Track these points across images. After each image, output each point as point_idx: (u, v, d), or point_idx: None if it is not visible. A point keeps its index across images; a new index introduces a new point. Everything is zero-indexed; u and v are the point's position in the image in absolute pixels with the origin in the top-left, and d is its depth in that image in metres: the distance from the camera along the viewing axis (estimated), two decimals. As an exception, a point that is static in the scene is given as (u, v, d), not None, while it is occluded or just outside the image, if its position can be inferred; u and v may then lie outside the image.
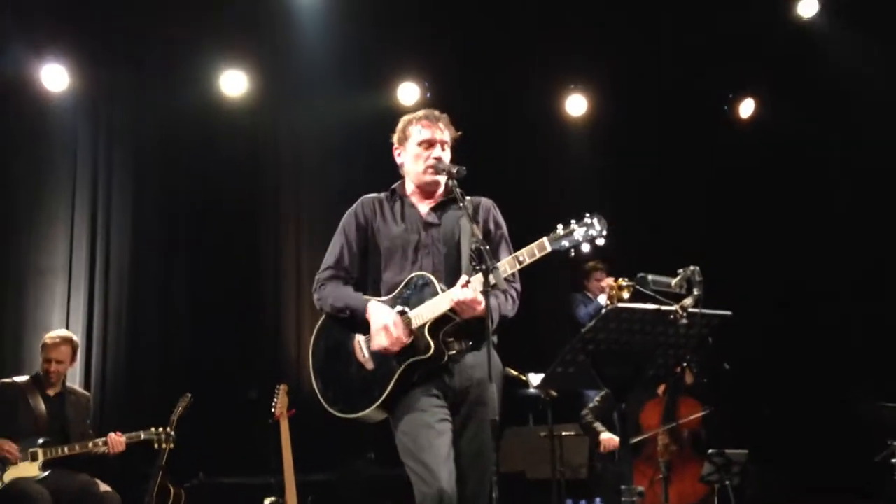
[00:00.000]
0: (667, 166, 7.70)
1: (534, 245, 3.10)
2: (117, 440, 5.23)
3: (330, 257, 3.47)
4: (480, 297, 3.07)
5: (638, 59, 7.35)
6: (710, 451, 5.24)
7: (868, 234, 7.13)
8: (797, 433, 6.85)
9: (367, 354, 3.31)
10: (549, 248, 3.08)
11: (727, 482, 5.16)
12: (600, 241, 3.02)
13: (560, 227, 3.07)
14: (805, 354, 7.19)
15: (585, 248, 3.05)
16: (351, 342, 3.35)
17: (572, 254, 3.07)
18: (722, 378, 5.81)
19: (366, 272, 3.46)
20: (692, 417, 5.40)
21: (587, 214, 3.04)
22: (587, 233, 3.02)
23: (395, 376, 3.22)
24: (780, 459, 6.23)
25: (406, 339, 3.21)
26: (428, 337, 3.19)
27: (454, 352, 3.24)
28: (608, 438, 5.59)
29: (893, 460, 4.96)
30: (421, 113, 3.52)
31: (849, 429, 5.57)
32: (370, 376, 3.28)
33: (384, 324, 3.22)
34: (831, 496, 6.53)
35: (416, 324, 3.22)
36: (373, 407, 3.25)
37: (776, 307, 7.35)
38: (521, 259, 3.14)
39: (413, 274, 3.29)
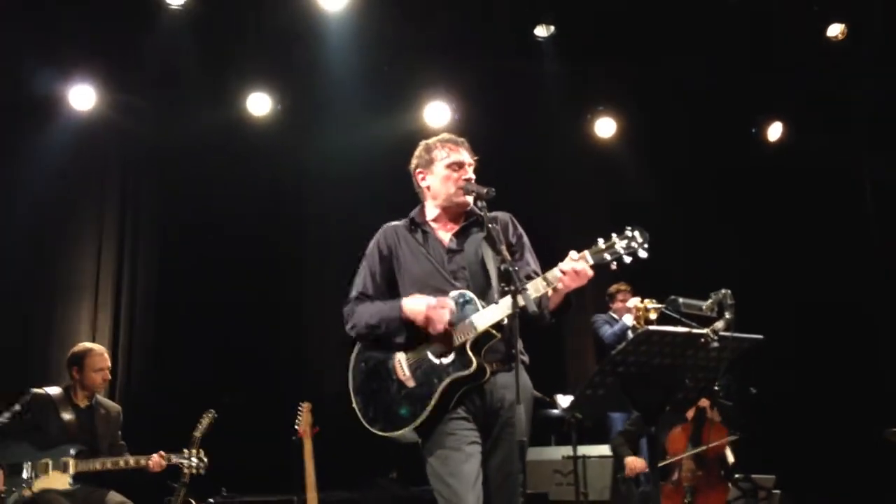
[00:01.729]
0: (695, 189, 7.67)
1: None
2: (157, 461, 5.26)
3: (356, 289, 3.48)
4: (590, 271, 3.08)
5: (667, 82, 7.34)
6: (736, 476, 5.18)
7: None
8: (825, 458, 6.76)
9: (408, 372, 3.30)
10: (590, 262, 3.09)
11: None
12: (642, 253, 3.03)
13: (601, 240, 3.10)
14: (835, 379, 7.10)
15: (627, 260, 3.05)
16: (391, 361, 3.35)
17: (614, 266, 3.07)
18: (749, 402, 5.75)
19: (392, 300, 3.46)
20: (718, 443, 5.35)
21: (628, 227, 3.06)
22: (629, 245, 3.04)
23: (438, 392, 3.20)
24: (808, 485, 6.13)
25: (451, 308, 3.19)
26: (470, 353, 3.19)
27: (494, 369, 3.23)
28: (633, 460, 5.58)
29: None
30: (444, 136, 3.56)
31: (878, 455, 5.49)
32: (412, 394, 3.27)
33: (426, 304, 3.21)
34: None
35: (457, 341, 3.22)
36: (415, 423, 3.23)
37: (807, 331, 7.26)
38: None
39: (454, 292, 3.29)
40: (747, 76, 7.30)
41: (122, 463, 5.25)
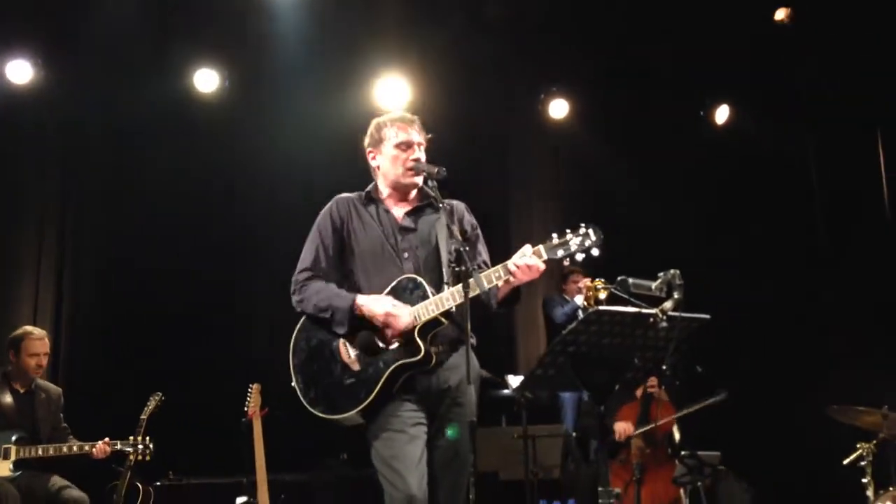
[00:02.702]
0: (645, 170, 7.73)
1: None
2: (102, 448, 5.18)
3: (306, 259, 3.42)
4: (542, 266, 3.10)
5: (619, 62, 7.38)
6: (682, 452, 5.28)
7: (841, 239, 7.23)
8: (769, 435, 6.92)
9: (352, 355, 3.27)
10: (545, 256, 3.12)
11: (699, 483, 5.20)
12: (595, 252, 3.07)
13: (555, 236, 3.12)
14: (779, 358, 7.25)
15: (580, 258, 3.08)
16: (335, 342, 3.31)
17: (566, 263, 3.10)
18: (695, 381, 5.85)
19: (343, 275, 3.42)
20: (664, 420, 5.45)
21: (582, 225, 3.09)
22: (582, 243, 3.07)
23: (384, 378, 3.19)
24: (752, 461, 6.27)
25: (411, 321, 3.18)
26: (418, 340, 3.17)
27: (440, 355, 3.23)
28: (621, 425, 5.57)
29: (862, 462, 5.03)
30: (395, 115, 3.54)
31: (823, 432, 5.63)
32: (356, 377, 3.24)
33: (386, 310, 3.19)
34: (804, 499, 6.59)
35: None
36: (358, 408, 3.21)
37: (753, 311, 7.39)
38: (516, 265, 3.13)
39: (402, 276, 3.27)
40: (697, 59, 7.36)
41: (65, 449, 5.17)
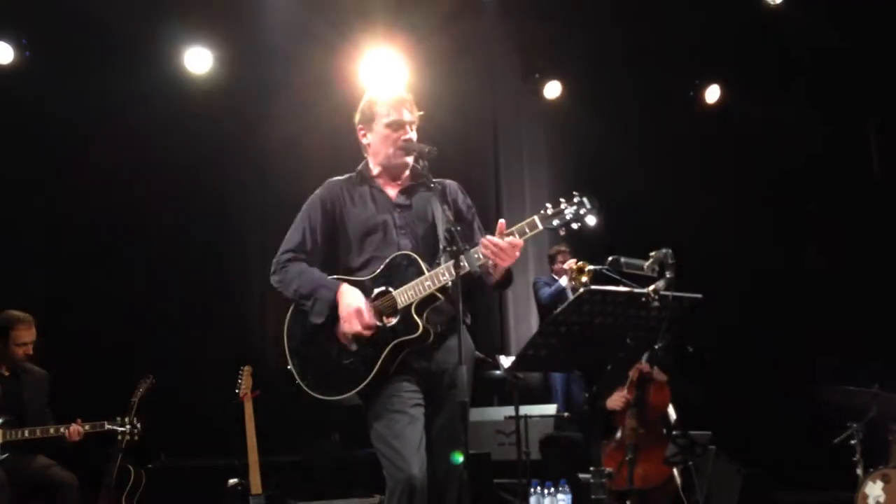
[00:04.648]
0: (637, 150, 7.71)
1: (524, 223, 3.11)
2: (76, 430, 5.16)
3: (291, 240, 3.38)
4: (519, 242, 3.07)
5: (610, 43, 7.35)
6: (674, 432, 5.29)
7: (831, 218, 7.24)
8: (761, 415, 6.95)
9: (349, 336, 3.25)
10: (540, 227, 3.09)
11: (691, 463, 5.21)
12: (590, 219, 3.05)
13: (549, 206, 3.09)
14: (771, 338, 7.27)
15: (575, 227, 3.06)
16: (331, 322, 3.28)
17: (562, 232, 3.08)
18: (686, 360, 5.85)
19: (333, 257, 3.39)
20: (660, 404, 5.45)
21: (576, 193, 3.07)
22: (577, 211, 3.04)
23: (382, 357, 3.17)
24: (744, 441, 6.30)
25: (375, 323, 3.16)
26: (415, 316, 3.16)
27: (438, 331, 3.21)
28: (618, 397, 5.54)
29: (853, 441, 5.05)
30: (387, 92, 3.49)
31: (813, 412, 5.66)
32: (354, 357, 3.22)
33: (356, 307, 3.17)
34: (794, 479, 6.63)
35: (401, 303, 3.18)
36: (358, 388, 3.19)
37: (743, 291, 7.40)
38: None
39: (396, 253, 3.25)
40: (687, 39, 7.34)
41: (52, 430, 5.17)
